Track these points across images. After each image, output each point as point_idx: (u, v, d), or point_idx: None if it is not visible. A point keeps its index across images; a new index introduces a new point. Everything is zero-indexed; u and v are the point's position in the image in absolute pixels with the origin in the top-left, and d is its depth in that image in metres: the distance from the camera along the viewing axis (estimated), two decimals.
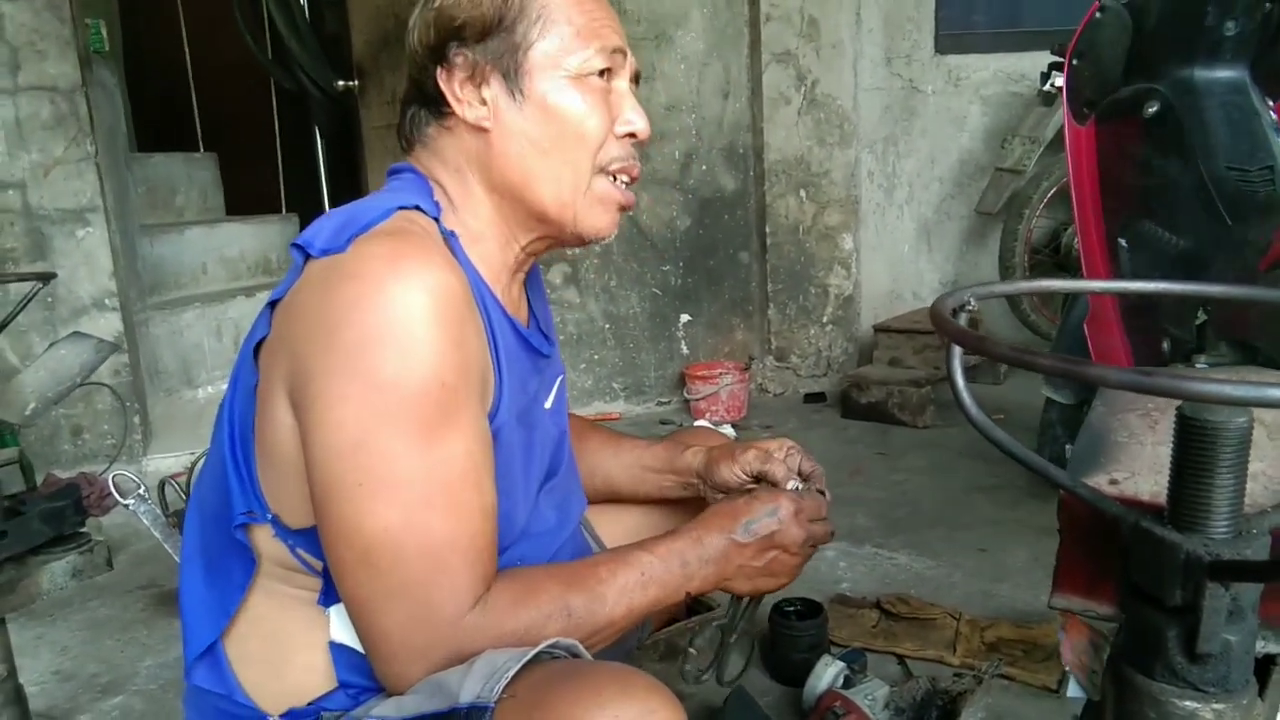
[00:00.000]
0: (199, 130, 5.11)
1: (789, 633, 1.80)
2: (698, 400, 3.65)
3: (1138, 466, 0.78)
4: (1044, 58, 3.44)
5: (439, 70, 1.00)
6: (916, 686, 1.62)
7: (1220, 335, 1.69)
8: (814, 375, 3.95)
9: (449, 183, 1.03)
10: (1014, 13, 4.21)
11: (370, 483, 0.85)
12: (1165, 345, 1.87)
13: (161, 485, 2.33)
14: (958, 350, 0.71)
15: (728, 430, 3.40)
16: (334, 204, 1.00)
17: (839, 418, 3.60)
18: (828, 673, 1.64)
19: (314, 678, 0.97)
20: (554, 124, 0.99)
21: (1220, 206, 1.73)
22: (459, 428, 0.88)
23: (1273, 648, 0.71)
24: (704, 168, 3.80)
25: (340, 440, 0.85)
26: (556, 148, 1.00)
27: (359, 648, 0.93)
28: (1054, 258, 3.80)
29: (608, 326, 3.83)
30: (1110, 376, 0.52)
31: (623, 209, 1.07)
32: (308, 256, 0.91)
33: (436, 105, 1.02)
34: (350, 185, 4.33)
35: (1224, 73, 1.82)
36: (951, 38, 4.05)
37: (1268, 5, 1.76)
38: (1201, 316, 1.73)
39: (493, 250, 1.04)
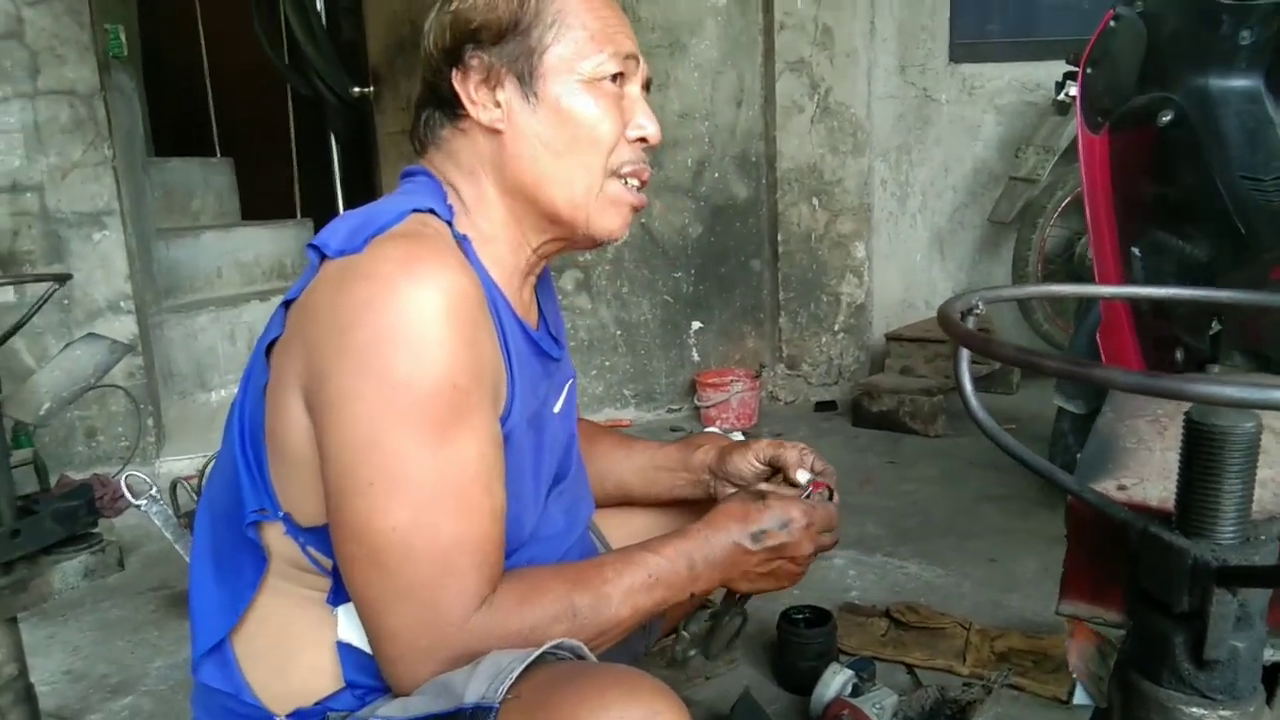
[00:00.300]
0: (216, 135, 5.14)
1: (797, 640, 1.79)
2: (708, 407, 3.65)
3: (1146, 472, 0.78)
4: (1059, 67, 3.44)
5: (454, 72, 1.01)
6: (925, 696, 1.62)
7: (1234, 344, 1.68)
8: (825, 383, 3.94)
9: (462, 184, 1.03)
10: (1029, 22, 4.20)
11: (381, 481, 0.85)
12: (1179, 354, 1.86)
13: (173, 487, 2.35)
14: (965, 354, 0.71)
15: (738, 438, 3.39)
16: (349, 209, 1.01)
17: (850, 426, 3.59)
18: (836, 681, 1.63)
19: (321, 678, 0.97)
20: (567, 127, 1.00)
21: (1234, 215, 1.72)
22: (471, 429, 0.89)
23: None
24: (716, 175, 3.80)
25: (354, 438, 0.86)
26: (570, 150, 1.01)
27: (366, 648, 0.94)
28: (1068, 267, 3.78)
29: (619, 333, 3.83)
30: (1115, 378, 0.52)
31: (634, 210, 1.08)
32: (323, 257, 0.92)
33: (451, 107, 1.03)
34: (365, 190, 4.35)
35: (1239, 82, 1.81)
36: (966, 46, 4.04)
37: None
38: (1215, 326, 1.72)
39: (504, 253, 1.05)
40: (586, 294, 3.78)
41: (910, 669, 1.85)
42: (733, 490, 1.25)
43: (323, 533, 0.92)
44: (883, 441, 3.38)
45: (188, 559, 1.43)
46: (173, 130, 5.05)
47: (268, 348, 0.95)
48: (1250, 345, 1.67)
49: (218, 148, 5.10)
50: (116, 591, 2.40)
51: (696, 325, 3.89)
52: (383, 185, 3.82)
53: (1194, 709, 0.66)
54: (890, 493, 2.86)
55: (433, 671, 0.87)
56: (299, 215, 5.12)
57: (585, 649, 0.89)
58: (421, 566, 0.86)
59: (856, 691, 1.61)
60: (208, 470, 2.28)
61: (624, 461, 1.36)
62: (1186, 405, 0.66)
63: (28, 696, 1.45)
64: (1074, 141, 2.83)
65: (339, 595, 0.95)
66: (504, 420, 0.97)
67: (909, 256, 4.19)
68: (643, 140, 1.05)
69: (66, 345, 2.39)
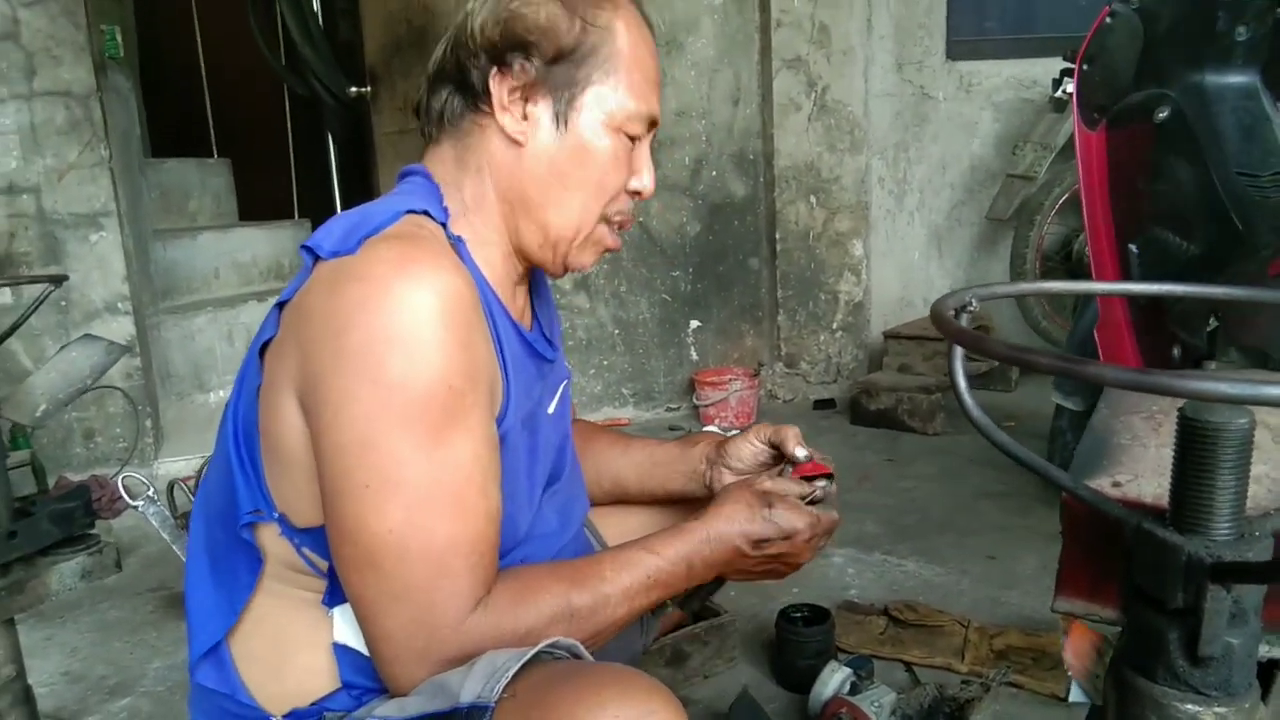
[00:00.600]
0: (213, 136, 5.14)
1: (796, 639, 1.79)
2: (707, 406, 3.65)
3: (1141, 469, 0.77)
4: (1056, 64, 3.44)
5: (494, 70, 1.00)
6: (924, 693, 1.62)
7: (1231, 341, 1.68)
8: (823, 382, 3.94)
9: (467, 182, 1.03)
10: (1026, 19, 4.21)
11: (376, 483, 0.85)
12: (1176, 352, 1.86)
13: (171, 488, 2.35)
14: (959, 350, 0.71)
15: None
16: (346, 209, 1.01)
17: (848, 424, 3.59)
18: (834, 679, 1.63)
19: (317, 678, 0.97)
20: (583, 165, 1.02)
21: (1231, 212, 1.72)
22: (466, 431, 0.89)
23: (1276, 652, 0.70)
24: (714, 174, 3.80)
25: (349, 440, 0.85)
26: (578, 186, 1.02)
27: (363, 649, 0.94)
28: (1066, 264, 3.78)
29: (617, 332, 3.83)
30: (1108, 375, 0.52)
31: (608, 250, 1.11)
32: (317, 258, 0.92)
33: (474, 98, 1.02)
34: (362, 191, 4.35)
35: (1235, 78, 1.81)
36: (963, 44, 4.04)
37: (1279, 10, 1.75)
38: (1213, 322, 1.72)
39: (498, 256, 1.05)
40: (585, 293, 3.77)
41: (909, 667, 1.85)
42: (731, 479, 1.24)
43: (318, 534, 0.92)
44: (881, 439, 3.38)
45: (185, 560, 1.44)
46: (170, 131, 5.04)
47: (261, 349, 0.95)
48: (1248, 341, 1.66)
49: (215, 148, 5.10)
50: (114, 593, 2.40)
51: (695, 324, 3.89)
52: (380, 185, 3.82)
53: (1189, 705, 0.66)
54: (889, 490, 2.86)
55: (428, 672, 0.87)
56: (296, 216, 5.13)
57: (581, 648, 0.89)
58: (417, 568, 0.86)
59: (855, 690, 1.61)
60: (204, 471, 2.28)
61: (620, 459, 1.36)
62: (1181, 401, 0.66)
63: (26, 698, 1.45)
64: (1071, 138, 2.83)
65: (335, 596, 0.95)
66: (499, 421, 0.97)
67: (907, 254, 4.19)
68: (637, 193, 1.08)
69: (63, 346, 2.39)
